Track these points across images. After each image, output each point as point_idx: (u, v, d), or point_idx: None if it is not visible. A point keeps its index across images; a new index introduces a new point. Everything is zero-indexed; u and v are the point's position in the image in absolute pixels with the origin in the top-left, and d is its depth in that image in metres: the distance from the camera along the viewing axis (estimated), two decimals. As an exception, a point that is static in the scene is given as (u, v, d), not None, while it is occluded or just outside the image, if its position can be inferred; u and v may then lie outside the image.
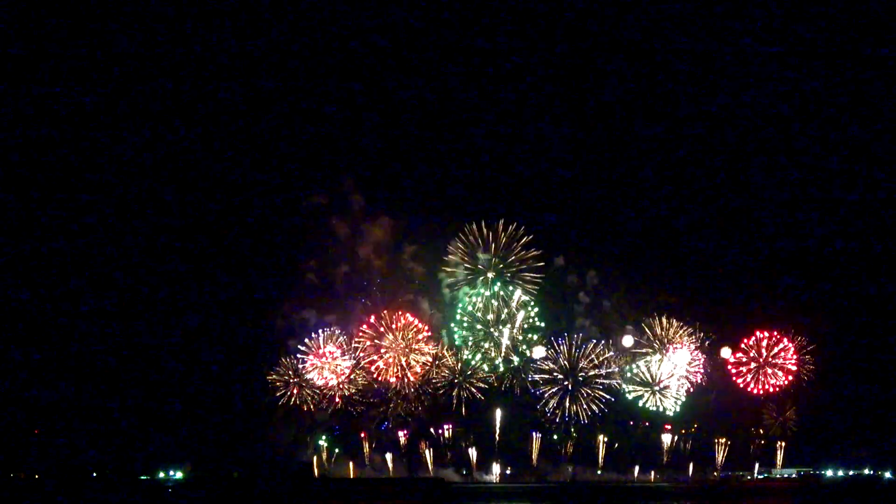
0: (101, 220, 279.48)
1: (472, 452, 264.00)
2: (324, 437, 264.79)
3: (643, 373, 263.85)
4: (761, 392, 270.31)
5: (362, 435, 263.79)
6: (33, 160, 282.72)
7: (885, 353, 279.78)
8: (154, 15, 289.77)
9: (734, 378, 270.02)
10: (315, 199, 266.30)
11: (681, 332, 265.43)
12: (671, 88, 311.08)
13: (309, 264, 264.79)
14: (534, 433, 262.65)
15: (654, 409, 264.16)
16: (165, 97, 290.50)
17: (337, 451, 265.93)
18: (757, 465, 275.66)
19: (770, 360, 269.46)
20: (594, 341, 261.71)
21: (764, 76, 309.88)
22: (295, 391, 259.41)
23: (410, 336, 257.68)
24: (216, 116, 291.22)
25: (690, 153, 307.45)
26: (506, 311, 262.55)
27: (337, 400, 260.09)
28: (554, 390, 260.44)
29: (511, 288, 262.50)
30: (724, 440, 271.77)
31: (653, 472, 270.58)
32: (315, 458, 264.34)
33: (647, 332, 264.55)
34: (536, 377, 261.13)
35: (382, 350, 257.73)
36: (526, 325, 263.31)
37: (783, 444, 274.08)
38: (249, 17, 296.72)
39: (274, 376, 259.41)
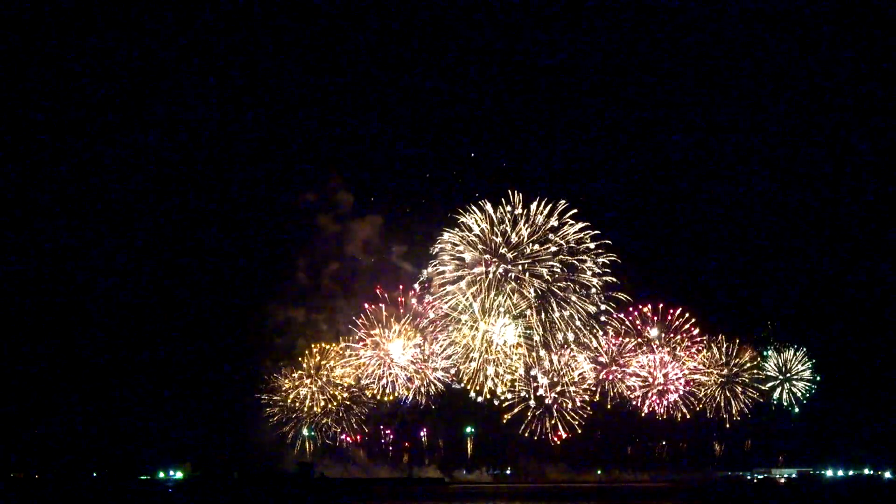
0: (93, 221, 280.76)
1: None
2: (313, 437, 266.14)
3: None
4: None
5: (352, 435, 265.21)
6: (26, 161, 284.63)
7: (884, 353, 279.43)
8: (142, 14, 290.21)
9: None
10: (303, 198, 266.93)
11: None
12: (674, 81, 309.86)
13: (297, 263, 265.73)
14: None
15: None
16: (152, 96, 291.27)
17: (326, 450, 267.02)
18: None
19: None
20: None
21: (771, 79, 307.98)
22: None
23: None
24: (204, 115, 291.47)
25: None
26: None
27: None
28: None
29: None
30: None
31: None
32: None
33: None
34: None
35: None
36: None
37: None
38: (238, 16, 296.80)
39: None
